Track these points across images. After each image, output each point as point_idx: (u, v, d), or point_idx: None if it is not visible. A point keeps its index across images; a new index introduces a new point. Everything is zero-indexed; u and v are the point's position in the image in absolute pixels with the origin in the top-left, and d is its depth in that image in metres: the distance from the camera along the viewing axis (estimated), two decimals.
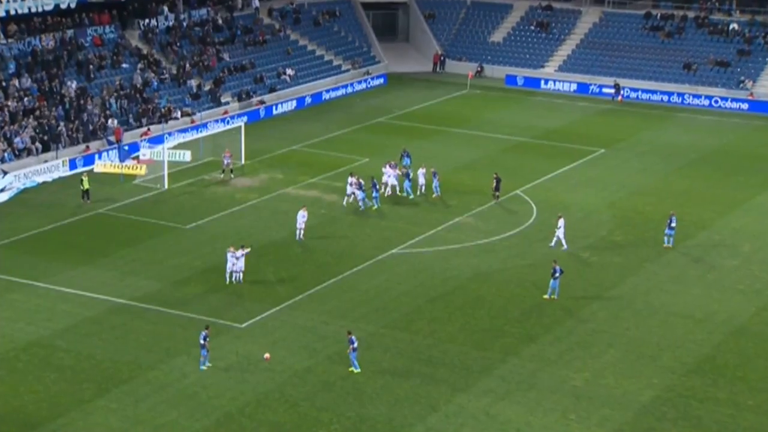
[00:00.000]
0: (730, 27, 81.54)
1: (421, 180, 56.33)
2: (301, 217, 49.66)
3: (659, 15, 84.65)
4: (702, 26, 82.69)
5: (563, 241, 48.93)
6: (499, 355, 39.32)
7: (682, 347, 40.18)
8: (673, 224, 49.54)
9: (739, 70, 78.67)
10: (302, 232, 49.63)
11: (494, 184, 55.21)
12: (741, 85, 77.39)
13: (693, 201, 56.53)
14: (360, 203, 53.48)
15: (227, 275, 44.89)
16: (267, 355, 37.84)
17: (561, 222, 49.03)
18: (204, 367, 37.67)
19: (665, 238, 49.76)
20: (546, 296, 43.75)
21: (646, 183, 59.80)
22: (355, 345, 37.56)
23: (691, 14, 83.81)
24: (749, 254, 49.25)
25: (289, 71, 78.77)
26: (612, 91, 78.48)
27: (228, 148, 59.80)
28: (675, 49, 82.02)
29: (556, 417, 35.24)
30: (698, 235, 51.36)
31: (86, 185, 54.64)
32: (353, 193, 53.78)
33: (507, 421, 34.95)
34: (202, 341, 37.67)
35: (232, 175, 58.71)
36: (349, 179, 54.42)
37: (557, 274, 43.52)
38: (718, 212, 54.49)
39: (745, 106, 75.72)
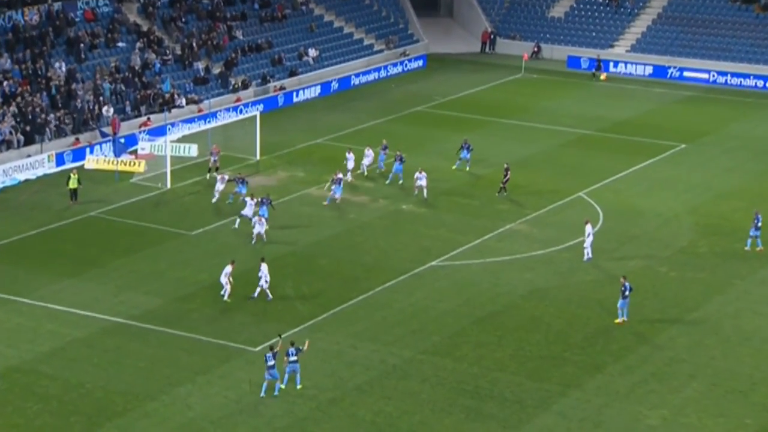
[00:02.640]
0: None
1: (422, 182, 56.30)
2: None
3: None
4: None
5: (587, 251, 48.89)
6: (559, 387, 39.14)
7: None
8: (759, 224, 49.28)
9: None
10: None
11: (504, 176, 55.99)
12: None
13: None
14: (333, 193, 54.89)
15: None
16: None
17: (588, 228, 48.95)
18: (279, 389, 38.13)
19: (749, 240, 49.49)
20: (618, 320, 43.54)
21: (735, 184, 59.44)
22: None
23: None
24: None
25: (312, 52, 78.99)
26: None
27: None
28: None
29: None
30: None
31: (74, 184, 54.87)
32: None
33: None
34: (270, 362, 37.86)
35: (215, 174, 58.06)
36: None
37: (627, 292, 43.34)
38: None
39: None
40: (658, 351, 41.72)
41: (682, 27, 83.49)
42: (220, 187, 55.03)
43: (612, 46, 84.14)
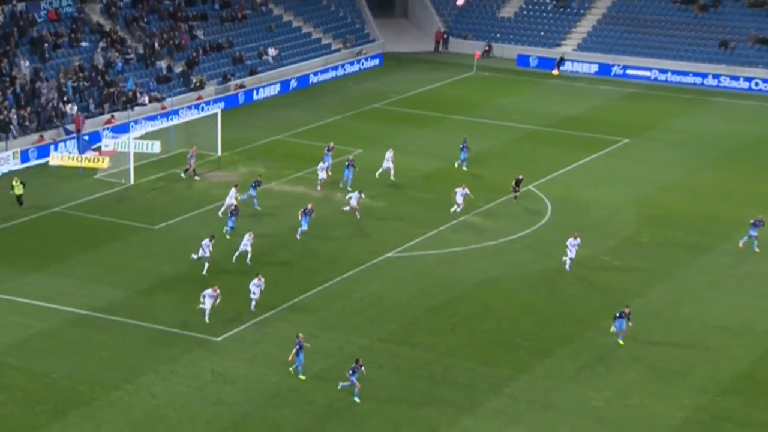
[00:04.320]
0: None
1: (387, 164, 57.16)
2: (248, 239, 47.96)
3: None
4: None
5: (568, 263, 47.54)
6: (509, 371, 39.32)
7: (716, 363, 40.26)
8: (762, 225, 49.86)
9: None
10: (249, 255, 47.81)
11: (514, 182, 55.19)
12: None
13: (730, 197, 56.69)
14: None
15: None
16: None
17: (576, 242, 47.50)
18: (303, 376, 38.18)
19: (745, 238, 49.94)
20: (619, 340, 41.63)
21: (676, 177, 59.90)
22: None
23: None
24: None
25: (272, 51, 78.78)
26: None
27: (195, 144, 59.11)
28: (710, 24, 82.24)
29: None
30: (735, 236, 51.43)
31: (18, 190, 53.32)
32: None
33: None
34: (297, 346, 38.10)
35: (196, 178, 58.05)
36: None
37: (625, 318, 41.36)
38: (759, 210, 54.44)
39: None
40: (602, 336, 42.04)
41: (626, 27, 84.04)
42: (230, 201, 51.82)
43: (559, 45, 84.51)
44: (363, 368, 37.32)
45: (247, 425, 35.84)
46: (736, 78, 77.59)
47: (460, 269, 47.65)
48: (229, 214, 50.23)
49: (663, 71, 79.21)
